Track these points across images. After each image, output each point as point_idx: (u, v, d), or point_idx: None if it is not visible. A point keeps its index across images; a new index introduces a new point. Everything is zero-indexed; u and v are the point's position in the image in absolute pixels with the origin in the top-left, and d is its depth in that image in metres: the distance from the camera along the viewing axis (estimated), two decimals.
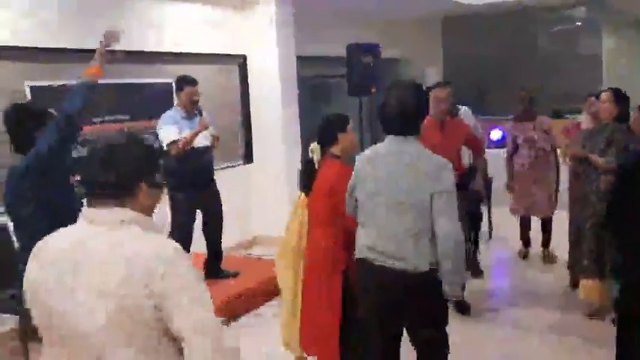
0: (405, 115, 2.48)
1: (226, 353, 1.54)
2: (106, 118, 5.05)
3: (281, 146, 6.44)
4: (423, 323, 2.59)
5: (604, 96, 4.05)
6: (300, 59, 6.98)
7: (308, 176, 3.07)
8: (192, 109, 4.47)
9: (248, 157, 6.64)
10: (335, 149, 3.00)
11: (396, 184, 2.44)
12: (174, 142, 4.29)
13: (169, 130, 4.32)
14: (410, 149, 2.49)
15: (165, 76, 5.52)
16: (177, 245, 1.55)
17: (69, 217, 1.68)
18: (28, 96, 4.38)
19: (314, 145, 3.07)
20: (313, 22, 7.07)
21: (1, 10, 4.28)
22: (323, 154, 3.04)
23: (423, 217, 2.42)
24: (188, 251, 4.52)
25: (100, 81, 4.91)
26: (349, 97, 6.75)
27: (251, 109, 6.57)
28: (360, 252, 2.61)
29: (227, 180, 6.14)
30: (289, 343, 3.27)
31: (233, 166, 6.44)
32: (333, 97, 8.09)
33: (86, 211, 1.56)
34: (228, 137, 6.42)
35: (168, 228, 4.51)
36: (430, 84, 4.58)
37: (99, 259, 1.47)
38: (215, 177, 4.87)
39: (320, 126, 3.11)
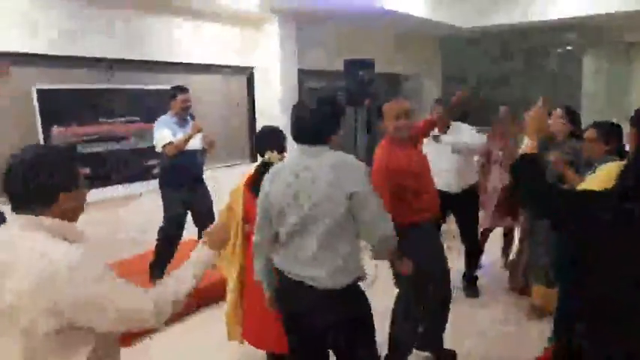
0: (313, 123, 2.07)
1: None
2: (119, 119, 4.98)
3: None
4: (349, 341, 2.13)
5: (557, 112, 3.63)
6: (310, 72, 6.83)
7: None
8: (184, 115, 4.32)
9: (254, 157, 6.51)
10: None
11: (307, 195, 2.01)
12: (169, 144, 4.16)
13: (163, 132, 4.19)
14: (320, 157, 2.05)
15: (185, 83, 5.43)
16: (75, 257, 1.37)
17: None
18: (35, 99, 4.31)
19: (274, 154, 2.83)
20: (323, 40, 6.88)
21: (12, 18, 4.16)
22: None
23: (340, 227, 2.01)
24: (177, 241, 4.39)
25: (116, 86, 4.96)
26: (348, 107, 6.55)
27: (256, 115, 6.43)
28: (278, 264, 2.21)
29: (236, 176, 6.02)
30: (230, 332, 3.06)
31: (240, 164, 6.33)
32: None
33: (13, 217, 1.46)
34: (236, 139, 6.32)
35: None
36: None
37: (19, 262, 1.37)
38: (214, 174, 4.73)
39: (277, 136, 2.90)
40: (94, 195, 4.77)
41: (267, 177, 2.19)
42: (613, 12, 6.85)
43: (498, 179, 4.58)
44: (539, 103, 1.98)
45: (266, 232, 2.21)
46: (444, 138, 4.19)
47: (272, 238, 2.21)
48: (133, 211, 5.04)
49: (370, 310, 2.22)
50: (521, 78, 8.62)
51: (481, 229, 4.72)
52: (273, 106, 6.20)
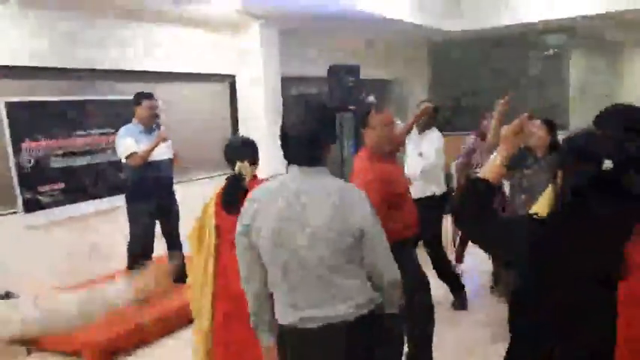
0: (311, 141, 1.76)
1: None
2: (94, 131, 4.78)
3: (265, 158, 6.09)
4: None
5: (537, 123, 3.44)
6: (292, 79, 6.66)
7: (238, 195, 2.46)
8: (150, 123, 4.11)
9: None
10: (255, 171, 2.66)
11: (306, 224, 1.71)
12: (133, 154, 3.97)
13: (127, 142, 3.99)
14: (320, 182, 1.77)
15: (162, 93, 5.28)
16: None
17: None
18: (3, 111, 4.11)
19: (244, 164, 2.65)
20: (306, 45, 6.73)
21: None
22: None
23: (346, 258, 1.73)
24: (149, 258, 4.17)
25: (93, 97, 4.79)
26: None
27: (239, 125, 6.24)
28: (279, 316, 1.83)
29: (217, 188, 5.85)
30: None
31: (221, 175, 6.14)
32: None
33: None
34: (217, 149, 6.12)
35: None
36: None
37: None
38: (193, 186, 4.54)
39: (248, 147, 2.71)
40: (72, 210, 4.59)
41: (249, 204, 1.81)
42: (601, 12, 6.74)
43: None
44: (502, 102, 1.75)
45: (253, 270, 1.84)
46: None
47: (262, 275, 1.84)
48: (113, 225, 4.83)
49: (390, 335, 1.99)
50: (508, 81, 8.49)
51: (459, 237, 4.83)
52: (256, 115, 6.02)
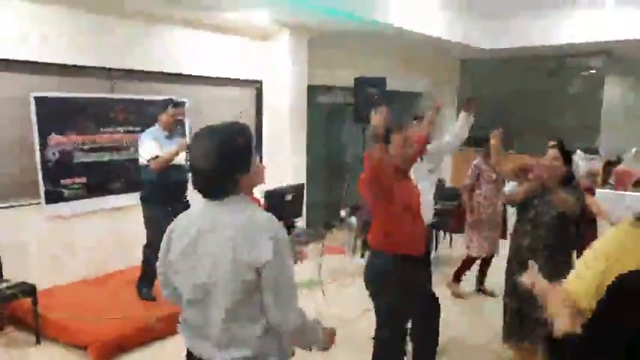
0: (214, 174, 1.53)
1: None
2: (118, 128, 4.83)
3: (289, 162, 6.06)
4: None
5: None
6: (319, 88, 6.62)
7: None
8: (170, 128, 4.11)
9: None
10: None
11: (202, 264, 1.55)
12: (155, 158, 3.96)
13: (151, 145, 3.97)
14: (226, 217, 1.54)
15: (190, 96, 5.25)
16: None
17: None
18: (32, 106, 4.17)
19: None
20: (335, 55, 6.66)
21: (13, 25, 4.04)
22: None
23: (243, 302, 1.53)
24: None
25: (119, 96, 4.82)
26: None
27: (264, 129, 6.22)
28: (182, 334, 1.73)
29: None
30: None
31: None
32: (348, 123, 7.58)
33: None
34: None
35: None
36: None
37: None
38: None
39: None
40: (92, 204, 4.63)
41: (169, 228, 1.71)
42: (638, 38, 6.47)
43: (483, 198, 4.62)
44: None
45: (170, 290, 1.77)
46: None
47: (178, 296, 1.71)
48: (131, 221, 4.85)
49: None
50: (539, 102, 8.23)
51: (482, 256, 4.77)
52: (281, 122, 5.98)
